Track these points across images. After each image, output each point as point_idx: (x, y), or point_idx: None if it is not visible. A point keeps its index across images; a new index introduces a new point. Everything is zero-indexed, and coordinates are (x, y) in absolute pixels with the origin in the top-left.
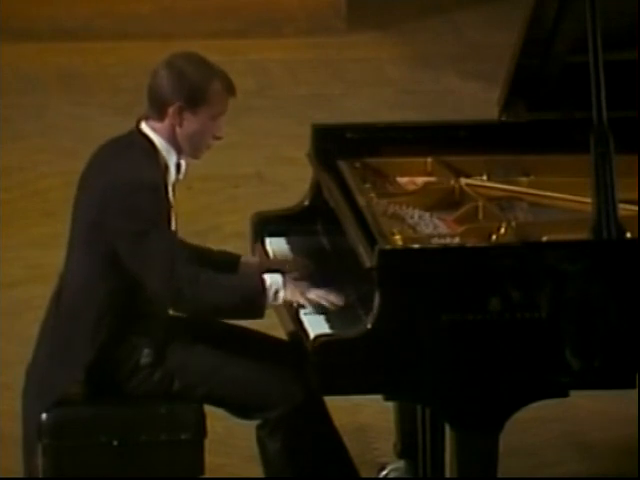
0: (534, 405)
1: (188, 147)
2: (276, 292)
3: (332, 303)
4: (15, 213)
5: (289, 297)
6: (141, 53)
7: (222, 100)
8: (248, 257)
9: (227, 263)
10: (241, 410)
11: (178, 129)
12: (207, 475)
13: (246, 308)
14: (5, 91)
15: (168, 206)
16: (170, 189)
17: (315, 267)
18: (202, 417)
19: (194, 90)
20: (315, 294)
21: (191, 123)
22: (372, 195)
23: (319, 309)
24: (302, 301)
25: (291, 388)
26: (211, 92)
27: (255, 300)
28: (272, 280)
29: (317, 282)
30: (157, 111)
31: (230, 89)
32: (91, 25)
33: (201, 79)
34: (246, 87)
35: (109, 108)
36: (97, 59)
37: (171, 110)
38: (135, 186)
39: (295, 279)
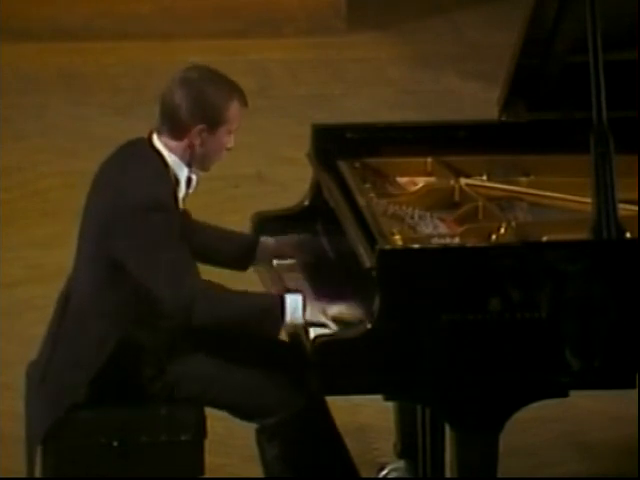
0: (534, 405)
1: (202, 162)
2: (294, 311)
3: (354, 315)
4: (15, 213)
5: (309, 318)
6: (141, 53)
7: (239, 116)
8: (265, 238)
9: (245, 244)
10: (242, 414)
11: (198, 149)
12: (207, 475)
13: (261, 327)
14: (5, 91)
15: (178, 220)
16: (180, 203)
17: (316, 265)
18: (202, 418)
19: (215, 112)
20: (337, 310)
21: (210, 143)
22: (372, 195)
23: (341, 325)
24: (324, 320)
25: (290, 394)
26: (230, 112)
27: (272, 319)
28: (291, 300)
29: (319, 279)
30: (174, 131)
31: (244, 102)
32: (91, 25)
33: (221, 100)
34: (246, 87)
35: (109, 108)
36: (97, 59)
37: (193, 133)
38: (145, 205)
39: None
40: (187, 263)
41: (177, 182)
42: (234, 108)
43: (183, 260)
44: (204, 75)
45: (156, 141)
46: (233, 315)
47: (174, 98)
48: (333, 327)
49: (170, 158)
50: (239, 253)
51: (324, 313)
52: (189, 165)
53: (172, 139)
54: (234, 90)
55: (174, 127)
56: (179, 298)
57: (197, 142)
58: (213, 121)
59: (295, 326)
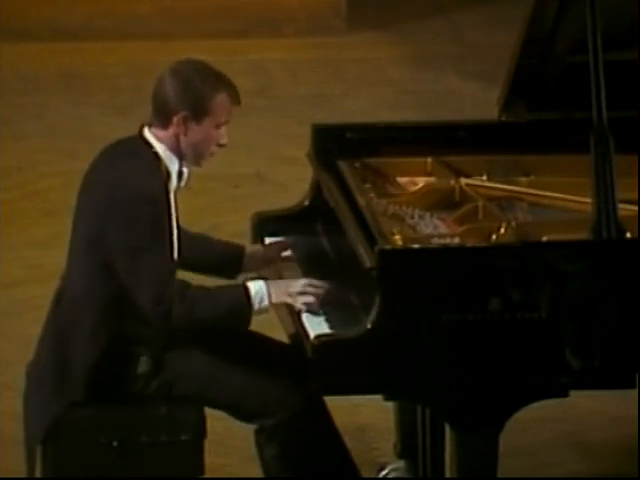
0: (534, 405)
1: (191, 155)
2: (261, 300)
3: (317, 287)
4: (15, 213)
5: (274, 300)
6: (141, 53)
7: (227, 110)
8: (252, 247)
9: (232, 255)
10: (240, 415)
11: (182, 138)
12: (207, 475)
13: (233, 319)
14: (5, 91)
15: (170, 214)
16: (172, 197)
17: (314, 265)
18: (202, 418)
19: (199, 100)
20: (299, 286)
21: (195, 132)
22: (372, 195)
23: (311, 306)
24: (289, 300)
25: (289, 395)
26: (216, 102)
27: (241, 311)
28: (256, 288)
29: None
30: (161, 119)
31: (235, 99)
32: (91, 25)
33: (207, 89)
34: (246, 87)
35: (109, 108)
36: (97, 59)
37: (176, 119)
38: (136, 199)
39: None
40: (169, 267)
41: (168, 175)
42: (221, 100)
43: (166, 264)
44: (193, 66)
45: (147, 133)
46: (206, 316)
47: (163, 86)
48: (299, 306)
49: (161, 150)
50: (225, 262)
51: (288, 294)
52: (180, 158)
53: (160, 128)
54: (222, 83)
55: (161, 114)
56: (158, 303)
57: (181, 130)
58: (197, 109)
59: (263, 312)
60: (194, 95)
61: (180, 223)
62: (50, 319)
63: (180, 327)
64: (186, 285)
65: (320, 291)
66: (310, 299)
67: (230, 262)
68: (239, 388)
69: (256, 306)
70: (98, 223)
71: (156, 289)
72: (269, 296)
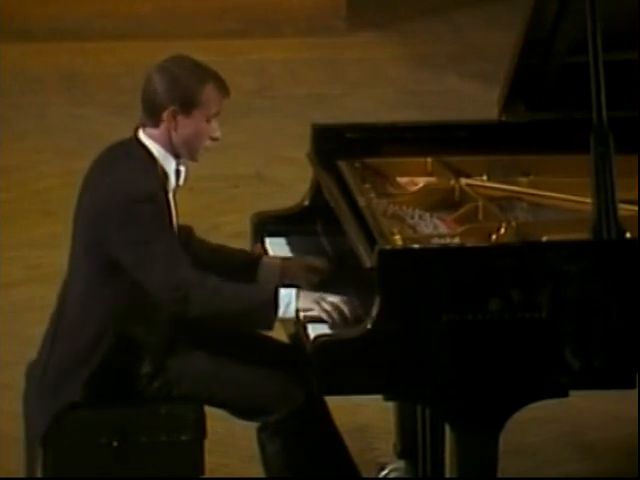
0: (534, 405)
1: (185, 150)
2: (288, 304)
3: (346, 313)
4: (15, 213)
5: (301, 304)
6: (141, 53)
7: (216, 102)
8: (269, 257)
9: (248, 263)
10: (242, 413)
11: (174, 133)
12: (207, 475)
13: (255, 317)
14: (5, 91)
15: (170, 214)
16: (170, 196)
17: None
18: (202, 417)
19: (187, 93)
20: (329, 303)
21: (186, 126)
22: (372, 195)
23: (332, 320)
24: (315, 307)
25: (291, 391)
26: (204, 94)
27: (265, 309)
28: (285, 292)
29: (328, 285)
30: (152, 117)
31: (224, 90)
32: (91, 25)
33: (194, 82)
34: (246, 87)
35: (109, 108)
36: (97, 59)
37: (165, 115)
38: (133, 198)
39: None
40: (179, 254)
41: (166, 175)
42: (208, 91)
43: (175, 251)
44: (179, 62)
45: (141, 135)
46: (227, 306)
47: (151, 85)
48: (324, 316)
49: (156, 150)
50: (240, 271)
51: (317, 301)
52: (176, 156)
53: (152, 127)
54: (209, 75)
55: (151, 113)
56: (174, 289)
57: (171, 125)
58: (186, 102)
59: (288, 320)
60: (181, 88)
61: (180, 223)
62: (53, 322)
63: (199, 314)
64: (205, 275)
65: (350, 315)
66: (336, 317)
67: (246, 272)
68: (241, 385)
69: (282, 309)
70: (96, 226)
71: (167, 274)
72: (297, 302)
